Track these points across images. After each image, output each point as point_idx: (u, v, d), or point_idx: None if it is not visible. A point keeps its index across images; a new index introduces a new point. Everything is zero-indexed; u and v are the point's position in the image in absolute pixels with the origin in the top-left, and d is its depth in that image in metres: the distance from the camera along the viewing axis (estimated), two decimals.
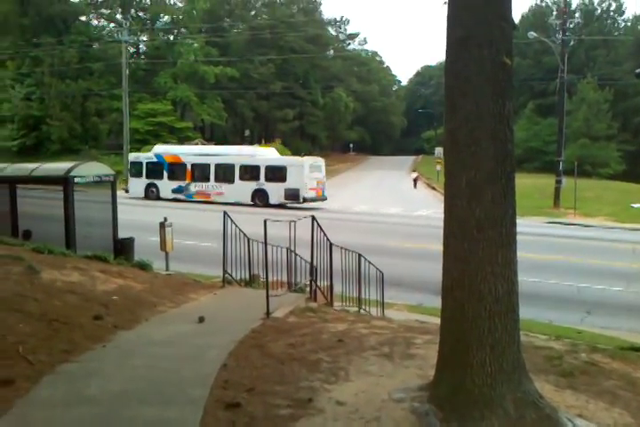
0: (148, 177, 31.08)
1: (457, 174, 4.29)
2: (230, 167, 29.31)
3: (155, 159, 31.32)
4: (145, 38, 61.29)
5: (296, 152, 56.49)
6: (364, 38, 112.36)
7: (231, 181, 29.23)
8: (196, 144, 50.99)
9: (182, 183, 30.30)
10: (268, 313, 7.29)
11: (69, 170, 12.78)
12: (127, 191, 30.99)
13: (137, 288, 8.38)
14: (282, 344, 6.10)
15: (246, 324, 6.86)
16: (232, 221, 9.41)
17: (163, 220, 13.42)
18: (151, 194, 30.68)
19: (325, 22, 75.71)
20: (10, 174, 14.09)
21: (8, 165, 15.61)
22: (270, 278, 7.86)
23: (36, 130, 49.74)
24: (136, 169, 31.66)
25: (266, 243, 7.42)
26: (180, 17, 58.02)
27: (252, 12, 69.34)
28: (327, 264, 9.34)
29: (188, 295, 8.61)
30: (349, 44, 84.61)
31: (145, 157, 32.28)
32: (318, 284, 9.49)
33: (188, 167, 30.29)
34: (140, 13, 61.04)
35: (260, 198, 28.26)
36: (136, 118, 48.13)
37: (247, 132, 66.79)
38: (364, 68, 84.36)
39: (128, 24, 50.87)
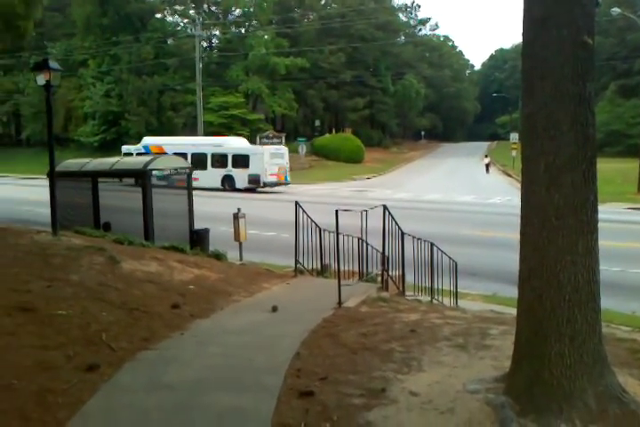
0: None
1: (535, 160, 4.12)
2: (203, 156, 32.14)
3: (142, 150, 33.86)
4: (217, 32, 62.39)
5: (367, 141, 56.33)
6: (436, 23, 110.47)
7: (204, 168, 31.30)
8: (268, 136, 51.72)
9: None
10: (339, 303, 7.30)
11: (147, 163, 13.19)
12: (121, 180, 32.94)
13: (212, 278, 8.57)
14: (354, 334, 6.09)
15: (318, 313, 6.89)
16: (304, 210, 9.47)
17: (236, 211, 13.66)
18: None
19: (396, 8, 74.78)
20: (92, 169, 14.70)
21: (90, 159, 16.30)
22: (341, 268, 7.87)
23: (116, 125, 51.67)
24: None
25: (337, 233, 7.42)
26: (251, 9, 58.63)
27: (322, 2, 69.19)
28: (399, 253, 9.26)
29: (262, 285, 8.73)
30: (420, 29, 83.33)
31: (135, 148, 34.91)
32: (390, 273, 9.42)
33: None
34: (213, 8, 62.12)
35: (228, 183, 31.43)
36: (209, 111, 49.17)
37: (317, 123, 66.97)
38: (435, 53, 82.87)
39: (201, 19, 51.97)
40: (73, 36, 57.06)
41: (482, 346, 5.57)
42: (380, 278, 9.36)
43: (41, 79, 9.76)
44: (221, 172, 31.66)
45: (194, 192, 13.82)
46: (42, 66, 9.78)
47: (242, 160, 31.23)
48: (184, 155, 30.28)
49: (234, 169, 31.41)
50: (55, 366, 4.90)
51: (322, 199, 24.32)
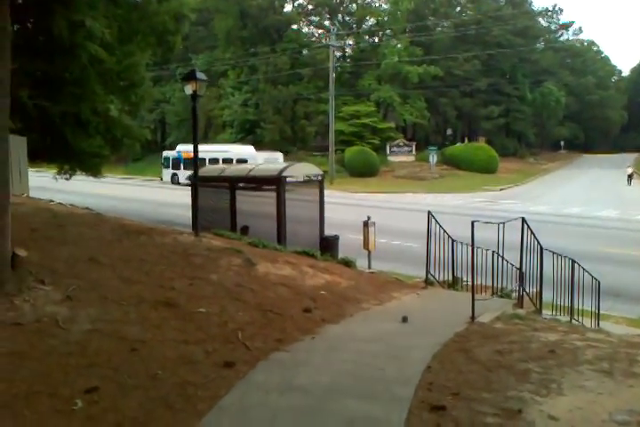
0: (172, 168, 42.13)
1: None
2: (216, 160, 37.66)
3: (176, 155, 41.73)
4: (350, 42, 63.30)
5: (501, 150, 54.45)
6: (579, 27, 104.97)
7: None
8: (398, 145, 51.64)
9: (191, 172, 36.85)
10: (473, 317, 7.09)
11: (282, 170, 13.61)
12: (162, 179, 42.75)
13: (342, 284, 8.65)
14: (488, 350, 5.88)
15: (450, 327, 6.73)
16: (436, 221, 9.31)
17: (366, 219, 13.73)
18: (174, 180, 41.15)
19: (535, 13, 71.83)
20: (230, 174, 15.43)
21: (228, 165, 17.11)
22: (475, 282, 7.64)
23: (252, 133, 53.87)
24: (166, 162, 42.72)
25: (473, 244, 7.22)
26: (385, 18, 58.91)
27: (457, 9, 68.12)
28: (536, 269, 8.83)
29: (391, 294, 8.69)
30: (562, 34, 79.43)
31: (171, 154, 42.53)
32: (526, 290, 9.02)
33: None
34: (347, 18, 63.15)
35: None
36: (341, 120, 49.90)
37: (449, 131, 65.84)
38: (578, 59, 78.63)
39: (335, 29, 53.03)
40: (215, 48, 60.37)
41: (630, 373, 5.16)
42: (515, 294, 8.98)
43: (188, 89, 10.39)
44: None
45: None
46: (190, 77, 10.42)
47: (242, 163, 35.03)
48: (203, 159, 37.44)
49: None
50: (195, 361, 5.16)
51: (453, 210, 23.84)
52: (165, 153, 43.74)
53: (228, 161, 37.24)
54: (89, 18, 13.89)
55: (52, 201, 13.41)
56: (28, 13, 14.66)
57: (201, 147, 45.73)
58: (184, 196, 25.65)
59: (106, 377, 4.58)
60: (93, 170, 19.68)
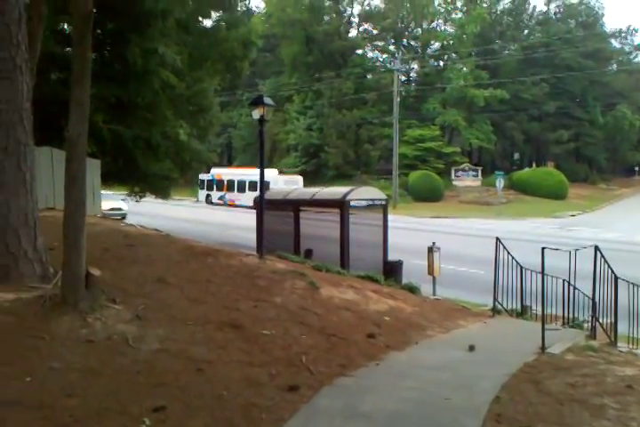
0: (207, 189, 45.70)
1: None
2: (243, 182, 42.26)
3: (210, 177, 45.15)
4: (415, 66, 63.44)
5: (571, 176, 52.91)
6: None
7: (244, 191, 41.89)
8: (463, 169, 50.95)
9: (222, 193, 44.51)
10: (543, 348, 6.83)
11: (346, 194, 13.65)
12: (197, 199, 46.23)
13: (407, 310, 8.52)
14: (559, 383, 5.64)
15: (519, 357, 6.50)
16: (504, 247, 9.09)
17: (431, 244, 13.55)
18: (208, 200, 45.09)
19: (608, 34, 70.04)
20: (295, 198, 15.58)
21: (294, 188, 17.31)
22: (545, 311, 7.39)
23: (316, 157, 54.41)
24: (201, 184, 45.82)
25: (543, 272, 6.99)
26: (451, 42, 58.80)
27: (525, 32, 67.28)
28: (611, 299, 8.46)
29: (457, 322, 8.49)
30: (636, 55, 76.95)
31: (206, 176, 44.79)
32: (600, 321, 8.64)
33: (225, 183, 44.27)
34: (412, 42, 63.39)
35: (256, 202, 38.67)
36: (405, 144, 49.79)
37: (517, 156, 64.58)
38: None
39: (400, 53, 53.31)
40: (281, 73, 61.72)
41: None
42: (587, 325, 8.62)
43: (256, 114, 10.60)
44: (253, 194, 38.62)
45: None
46: (257, 102, 10.63)
47: (265, 186, 37.65)
48: (232, 182, 43.95)
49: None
50: (259, 383, 5.16)
51: (521, 236, 23.23)
52: (201, 176, 44.96)
53: (253, 183, 40.52)
54: (162, 45, 14.52)
55: (122, 222, 13.87)
56: (105, 42, 15.43)
57: (229, 170, 50.30)
58: (244, 218, 26.19)
59: (173, 397, 4.64)
60: (162, 192, 20.34)
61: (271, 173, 42.23)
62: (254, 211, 36.24)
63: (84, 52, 6.05)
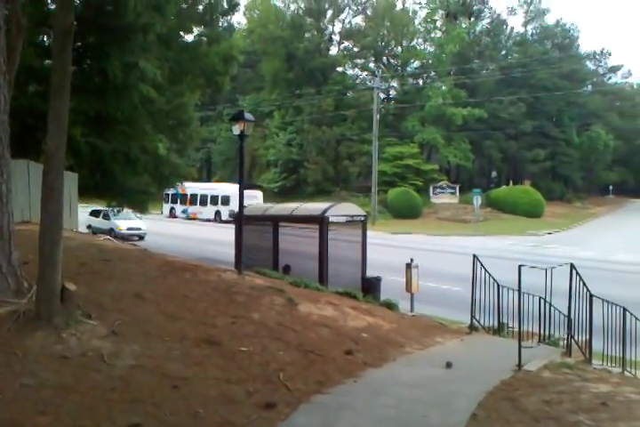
0: (171, 202, 46.58)
1: None
2: (205, 196, 44.72)
3: (174, 191, 43.20)
4: (395, 84, 64.07)
5: (547, 194, 53.62)
6: (629, 70, 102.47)
7: (205, 205, 44.64)
8: (441, 186, 51.43)
9: (185, 207, 46.29)
10: (519, 365, 6.87)
11: (325, 210, 13.68)
12: (162, 212, 46.04)
13: (385, 327, 8.52)
14: (535, 400, 5.67)
15: (496, 374, 6.53)
16: (482, 265, 9.16)
17: (410, 261, 13.60)
18: (172, 213, 46.36)
19: (583, 56, 71.57)
20: (273, 213, 15.57)
21: (273, 204, 17.30)
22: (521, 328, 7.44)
23: (295, 173, 54.50)
24: (166, 197, 45.26)
25: (520, 290, 7.05)
26: (430, 61, 59.59)
27: (503, 52, 68.47)
28: (586, 317, 8.55)
29: (434, 339, 8.51)
30: (610, 77, 78.65)
31: (171, 190, 46.34)
32: (575, 338, 8.72)
33: (188, 197, 45.08)
34: (392, 60, 64.11)
35: (217, 216, 43.04)
36: (384, 161, 50.08)
37: (494, 174, 65.39)
38: (627, 102, 77.49)
39: (380, 71, 53.87)
40: (261, 89, 61.89)
41: None
42: (563, 343, 8.69)
43: (236, 129, 10.61)
44: (214, 208, 43.53)
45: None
46: (238, 117, 10.65)
47: (225, 200, 42.07)
48: (195, 196, 45.28)
49: (221, 206, 42.61)
50: (236, 400, 5.12)
51: (497, 253, 23.44)
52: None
53: (214, 198, 44.18)
54: (142, 59, 14.50)
55: (98, 236, 13.73)
56: (85, 55, 15.37)
57: (192, 184, 48.54)
58: (221, 233, 26.08)
59: (148, 414, 4.58)
60: (140, 206, 20.19)
61: (231, 188, 43.22)
62: (222, 224, 39.39)
63: (64, 65, 6.04)
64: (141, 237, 26.78)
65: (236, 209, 40.33)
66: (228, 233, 36.61)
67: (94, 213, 28.43)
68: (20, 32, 8.61)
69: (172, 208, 47.04)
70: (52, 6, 13.25)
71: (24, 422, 4.16)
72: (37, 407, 4.39)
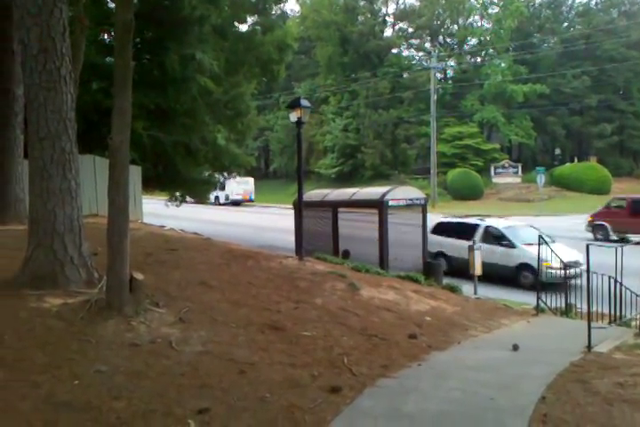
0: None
1: None
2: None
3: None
4: (452, 63, 62.72)
5: (615, 170, 51.58)
6: None
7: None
8: (503, 166, 50.16)
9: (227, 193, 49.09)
10: (589, 346, 6.68)
11: (384, 194, 13.61)
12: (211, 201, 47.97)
13: (448, 310, 8.45)
14: (608, 382, 5.51)
15: (565, 356, 6.38)
16: (546, 243, 8.91)
17: (471, 242, 13.38)
18: (216, 201, 47.81)
19: None
20: (333, 199, 15.60)
21: (332, 190, 17.32)
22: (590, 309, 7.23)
23: (352, 158, 54.26)
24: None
25: (588, 270, 6.85)
26: (488, 38, 57.97)
27: (565, 24, 65.88)
28: None
29: (500, 321, 8.38)
30: None
31: None
32: None
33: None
34: (448, 39, 62.76)
35: (216, 200, 47.49)
36: (443, 142, 49.28)
37: (558, 151, 63.23)
38: None
39: (436, 51, 52.80)
40: (316, 75, 61.78)
41: None
42: (636, 323, 8.40)
43: (293, 116, 10.68)
44: (213, 193, 43.04)
45: None
46: (294, 104, 10.71)
47: (222, 186, 42.29)
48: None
49: (219, 191, 44.90)
50: (301, 385, 5.18)
51: (563, 233, 22.75)
52: None
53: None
54: (199, 51, 14.73)
55: (163, 226, 14.11)
56: (144, 50, 15.73)
57: None
58: (282, 220, 26.29)
59: (216, 398, 4.69)
60: (202, 196, 20.63)
61: None
62: (221, 206, 45.77)
63: (126, 61, 6.19)
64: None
65: (232, 195, 48.01)
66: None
67: (454, 229, 16.79)
68: (83, 31, 8.92)
69: (216, 197, 48.71)
70: (112, 5, 13.59)
71: (100, 406, 4.34)
72: (112, 393, 4.57)
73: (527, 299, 11.04)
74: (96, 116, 13.60)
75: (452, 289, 10.72)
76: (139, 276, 6.29)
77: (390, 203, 13.57)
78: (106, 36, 15.86)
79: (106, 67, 13.42)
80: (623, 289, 8.63)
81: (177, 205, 21.84)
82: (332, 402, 4.88)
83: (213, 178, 19.40)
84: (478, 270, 13.18)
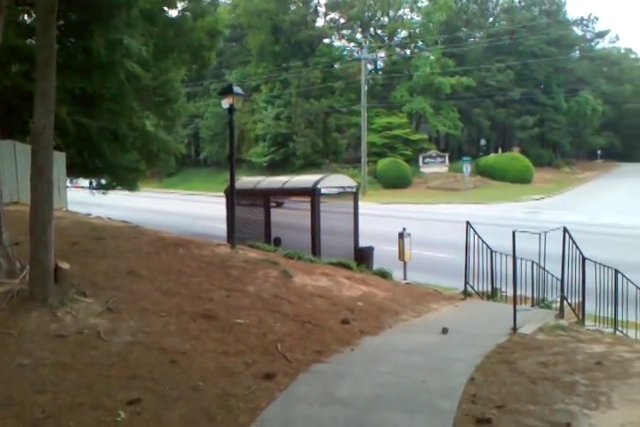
0: None
1: None
2: None
3: None
4: (382, 55, 63.36)
5: (536, 160, 53.74)
6: (616, 35, 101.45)
7: None
8: (431, 156, 51.37)
9: None
10: (514, 328, 6.94)
11: (317, 182, 13.64)
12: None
13: (380, 296, 8.57)
14: (531, 362, 5.74)
15: (491, 338, 6.60)
16: (475, 231, 9.19)
17: (402, 230, 13.64)
18: None
19: (570, 22, 70.88)
20: (265, 187, 15.51)
21: (263, 178, 17.21)
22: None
23: (284, 146, 54.12)
24: None
25: (514, 255, 7.09)
26: (417, 30, 58.88)
27: (490, 19, 67.75)
28: (578, 280, 8.63)
29: (429, 305, 8.58)
30: (598, 42, 78.07)
31: None
32: (568, 301, 8.81)
33: None
34: (379, 31, 63.32)
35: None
36: (373, 132, 49.86)
37: (483, 142, 65.22)
38: (614, 67, 77.13)
39: (367, 42, 53.20)
40: (248, 63, 61.08)
41: None
42: (556, 305, 8.79)
43: (225, 103, 10.49)
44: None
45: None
46: (227, 91, 10.52)
47: None
48: None
49: None
50: (235, 373, 5.15)
51: (488, 220, 23.51)
52: None
53: None
54: (126, 36, 14.24)
55: (89, 215, 13.65)
56: (68, 33, 15.07)
57: None
58: (213, 209, 25.99)
59: (147, 389, 4.59)
60: (130, 184, 20.06)
61: None
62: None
63: (49, 43, 5.91)
64: None
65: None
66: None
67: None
68: (0, 11, 8.41)
69: None
70: None
71: (23, 401, 4.17)
72: (35, 386, 4.39)
73: (456, 284, 11.33)
74: (16, 100, 12.96)
75: (383, 275, 10.89)
76: (64, 265, 6.06)
77: (322, 191, 13.62)
78: (27, 17, 15.08)
79: (27, 49, 12.76)
80: (545, 273, 9.01)
81: (103, 193, 21.18)
82: (267, 389, 4.87)
83: (141, 165, 18.88)
84: (408, 257, 13.46)
